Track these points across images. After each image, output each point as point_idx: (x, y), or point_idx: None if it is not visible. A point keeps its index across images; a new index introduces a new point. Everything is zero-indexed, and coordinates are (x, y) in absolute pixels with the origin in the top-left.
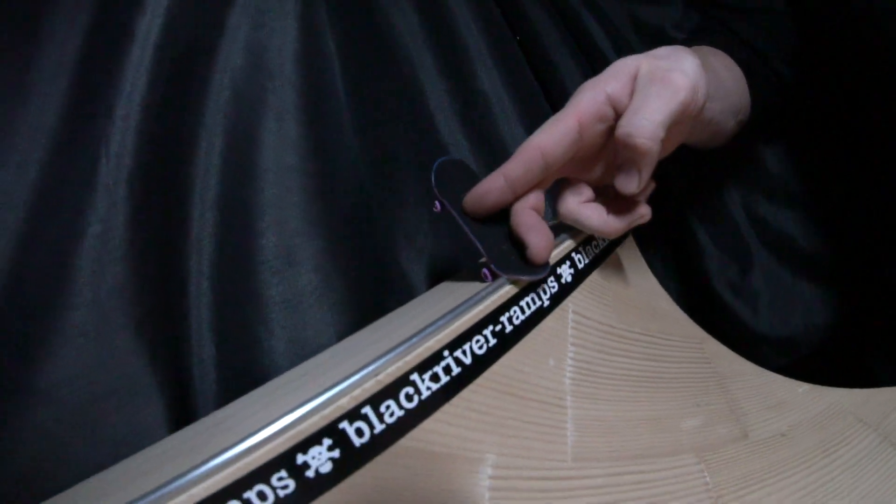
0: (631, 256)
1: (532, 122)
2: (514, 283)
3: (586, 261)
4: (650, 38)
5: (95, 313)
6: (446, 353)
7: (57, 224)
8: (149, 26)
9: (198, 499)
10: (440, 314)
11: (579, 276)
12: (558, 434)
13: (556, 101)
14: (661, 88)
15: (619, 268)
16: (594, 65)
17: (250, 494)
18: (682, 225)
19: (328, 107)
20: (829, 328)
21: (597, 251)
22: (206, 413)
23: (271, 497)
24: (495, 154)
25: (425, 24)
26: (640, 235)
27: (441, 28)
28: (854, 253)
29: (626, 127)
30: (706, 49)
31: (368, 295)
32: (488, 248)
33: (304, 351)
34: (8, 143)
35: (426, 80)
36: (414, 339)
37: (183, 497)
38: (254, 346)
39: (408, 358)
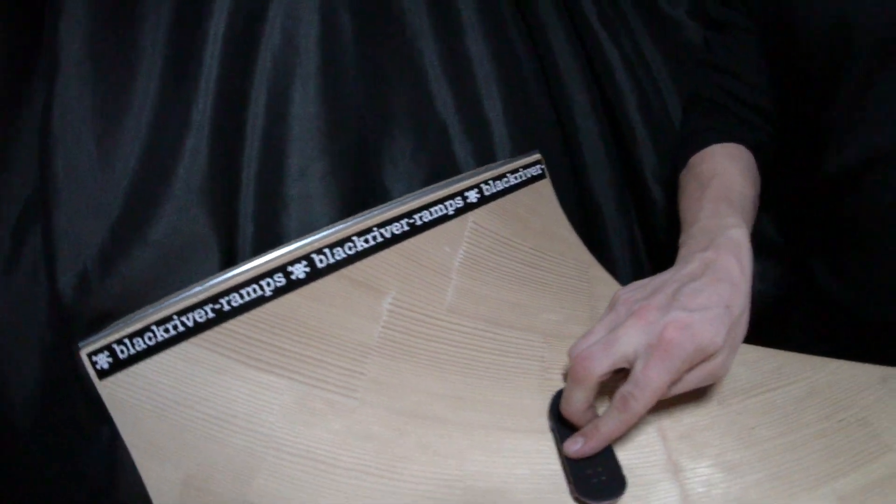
0: (544, 191)
1: (507, 83)
2: None
3: (495, 189)
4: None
5: (187, 200)
6: (375, 228)
7: (167, 145)
8: (217, 27)
9: (243, 280)
10: (379, 210)
11: (485, 200)
12: (441, 292)
13: (543, 56)
14: None
15: (529, 198)
16: (578, 29)
17: (262, 282)
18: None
19: (341, 69)
20: (772, 297)
21: (507, 185)
22: (246, 249)
23: (273, 285)
24: (473, 108)
25: None
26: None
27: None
28: (791, 237)
29: None
30: (727, 158)
31: (358, 200)
32: (574, 476)
33: (309, 229)
34: (125, 100)
35: (423, 44)
36: (359, 219)
37: (241, 277)
38: (278, 225)
39: (353, 227)
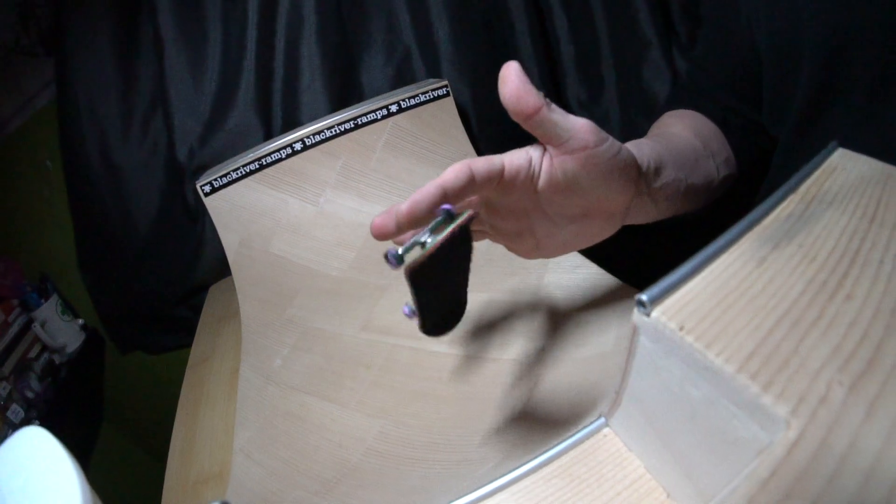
0: (447, 105)
1: (456, 16)
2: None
3: (410, 104)
4: None
5: (244, 105)
6: (335, 126)
7: (231, 78)
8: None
9: (273, 149)
10: (339, 114)
11: (402, 110)
12: (368, 160)
13: None
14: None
15: (435, 108)
16: None
17: (281, 150)
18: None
19: (333, 15)
20: None
21: (418, 101)
22: (277, 134)
23: (287, 151)
24: (427, 36)
25: None
26: None
27: None
28: None
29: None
30: (675, 116)
31: (344, 99)
32: (423, 313)
33: (314, 118)
34: (205, 50)
35: None
36: (329, 120)
37: (271, 147)
38: (295, 117)
39: (326, 123)
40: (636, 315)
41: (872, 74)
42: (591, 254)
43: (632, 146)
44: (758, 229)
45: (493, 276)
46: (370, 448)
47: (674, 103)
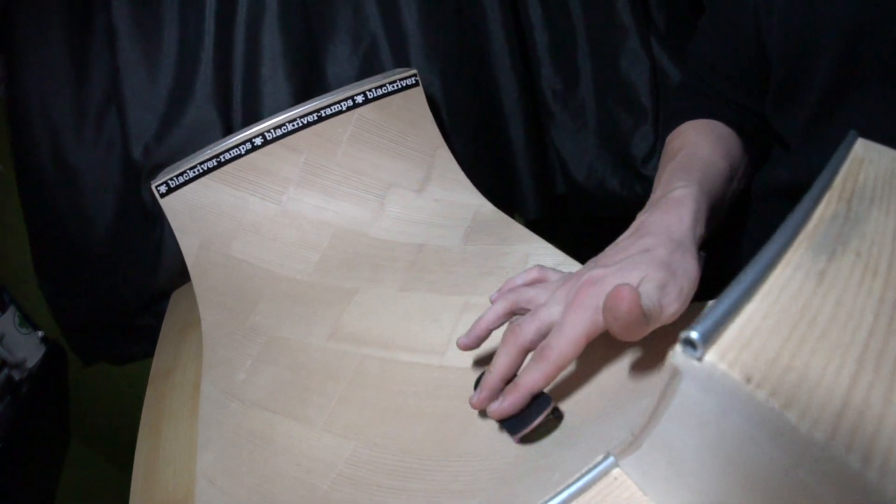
0: (416, 95)
1: (425, 4)
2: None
3: (376, 94)
4: None
5: (202, 100)
6: (298, 118)
7: (188, 72)
8: None
9: (231, 145)
10: (301, 106)
11: (368, 101)
12: (333, 154)
13: None
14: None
15: (403, 99)
16: None
17: (240, 146)
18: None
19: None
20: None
21: (385, 91)
22: (238, 128)
23: (246, 147)
24: (396, 25)
25: None
26: None
27: None
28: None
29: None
30: (696, 131)
31: (308, 90)
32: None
33: (276, 111)
34: (160, 45)
35: None
36: (291, 112)
37: (230, 143)
38: (256, 111)
39: (287, 116)
40: (681, 357)
41: (888, 61)
42: (578, 251)
43: (690, 220)
44: (805, 234)
45: (467, 276)
46: (341, 474)
47: (691, 110)
